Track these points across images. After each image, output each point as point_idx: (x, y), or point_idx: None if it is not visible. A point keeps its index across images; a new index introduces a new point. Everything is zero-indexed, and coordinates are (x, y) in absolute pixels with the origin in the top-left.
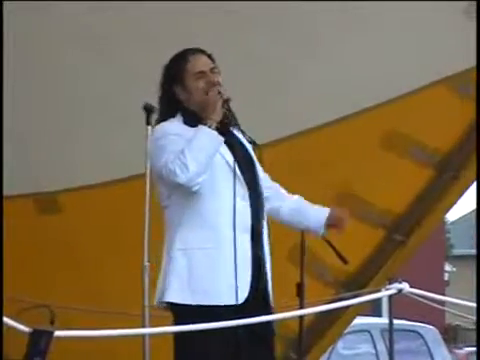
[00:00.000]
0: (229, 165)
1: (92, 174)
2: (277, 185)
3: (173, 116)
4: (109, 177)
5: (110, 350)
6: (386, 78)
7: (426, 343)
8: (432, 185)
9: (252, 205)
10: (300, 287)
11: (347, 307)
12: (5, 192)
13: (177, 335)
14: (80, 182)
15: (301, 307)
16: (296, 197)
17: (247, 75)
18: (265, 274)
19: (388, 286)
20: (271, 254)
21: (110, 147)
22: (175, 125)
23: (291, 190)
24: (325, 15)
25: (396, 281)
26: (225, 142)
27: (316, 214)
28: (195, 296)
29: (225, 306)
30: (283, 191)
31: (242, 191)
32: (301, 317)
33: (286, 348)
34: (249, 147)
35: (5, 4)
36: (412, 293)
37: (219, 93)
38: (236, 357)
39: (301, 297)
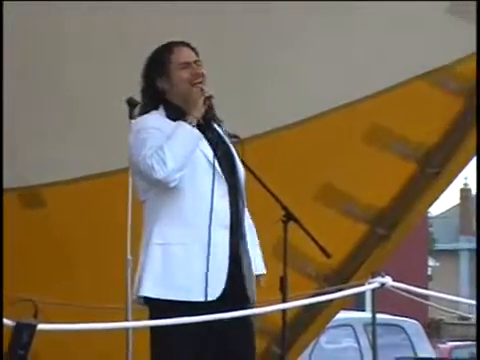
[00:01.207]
0: (209, 162)
1: (76, 168)
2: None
3: (155, 108)
4: (93, 171)
5: (93, 344)
6: (368, 73)
7: (409, 337)
8: (415, 179)
9: (232, 202)
10: (283, 281)
11: (330, 301)
12: None
13: (152, 329)
14: (64, 176)
15: (284, 301)
16: (254, 235)
17: (229, 70)
18: (243, 271)
19: (371, 280)
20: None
21: (94, 141)
22: (156, 118)
23: (274, 185)
24: (308, 11)
25: (379, 275)
26: (206, 138)
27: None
28: (169, 291)
29: (199, 302)
30: (248, 218)
31: (222, 188)
32: (284, 311)
33: (269, 342)
34: (230, 143)
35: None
36: (395, 287)
37: (201, 90)
38: (207, 354)
39: (284, 291)
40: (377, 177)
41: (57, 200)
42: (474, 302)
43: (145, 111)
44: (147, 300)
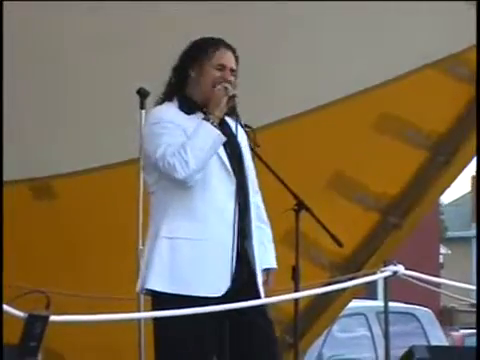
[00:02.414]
0: (222, 161)
1: (87, 159)
2: (261, 204)
3: (170, 99)
4: (102, 162)
5: (105, 334)
6: (379, 61)
7: (422, 325)
8: (426, 167)
9: (240, 200)
10: (295, 270)
11: (342, 290)
12: None
13: (156, 323)
14: (75, 167)
15: (296, 290)
16: (268, 230)
17: (245, 54)
18: (251, 267)
19: (383, 268)
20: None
21: (104, 132)
22: (171, 111)
23: (287, 173)
24: (318, 3)
25: (391, 263)
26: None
27: (262, 257)
28: (176, 285)
29: (205, 297)
30: (263, 213)
31: (231, 186)
32: (296, 300)
33: (281, 332)
34: (240, 139)
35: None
36: (407, 275)
37: (225, 89)
38: (218, 348)
39: (296, 280)
40: (388, 165)
41: (67, 191)
42: None
43: (168, 90)
44: (152, 293)
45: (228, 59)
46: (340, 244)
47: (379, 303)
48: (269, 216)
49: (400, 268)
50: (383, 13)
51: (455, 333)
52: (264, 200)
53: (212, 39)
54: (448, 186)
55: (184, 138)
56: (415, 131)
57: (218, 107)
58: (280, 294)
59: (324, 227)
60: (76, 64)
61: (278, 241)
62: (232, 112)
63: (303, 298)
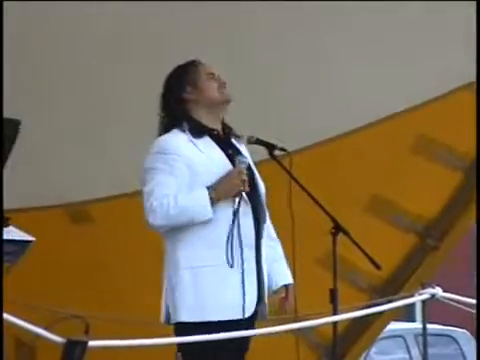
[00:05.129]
0: None
1: (123, 183)
2: (269, 222)
3: (177, 126)
4: (138, 187)
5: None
6: (414, 83)
7: (460, 347)
8: (463, 189)
9: (254, 220)
10: (333, 293)
11: (381, 313)
12: (36, 203)
13: (186, 352)
14: (111, 192)
15: (334, 313)
16: (279, 247)
17: (275, 84)
18: (263, 286)
19: (421, 291)
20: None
21: (139, 156)
22: (178, 140)
23: (324, 196)
24: (357, 16)
25: (429, 286)
26: (226, 155)
27: (278, 274)
28: (203, 313)
29: (233, 321)
30: (272, 230)
31: (244, 207)
32: (335, 323)
33: (320, 355)
34: (250, 159)
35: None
36: (445, 298)
37: (243, 182)
38: None
39: (334, 303)
40: (426, 187)
41: (104, 215)
42: None
43: (166, 129)
44: (183, 325)
45: (211, 67)
46: (378, 267)
47: (417, 325)
48: (306, 239)
49: (438, 291)
50: (418, 34)
51: None
52: (300, 223)
53: (183, 64)
54: None
55: (186, 170)
56: (451, 153)
57: (225, 194)
58: (319, 317)
59: (362, 250)
60: (104, 77)
61: (315, 264)
62: (227, 128)
63: (341, 321)
